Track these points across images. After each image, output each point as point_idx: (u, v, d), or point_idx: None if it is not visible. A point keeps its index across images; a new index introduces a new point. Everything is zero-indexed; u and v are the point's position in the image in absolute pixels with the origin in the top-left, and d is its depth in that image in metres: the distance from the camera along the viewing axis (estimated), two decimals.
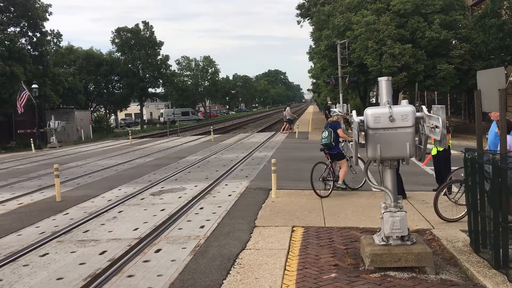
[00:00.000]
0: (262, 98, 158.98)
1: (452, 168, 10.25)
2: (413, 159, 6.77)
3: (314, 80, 69.91)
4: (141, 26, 62.24)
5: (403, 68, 28.47)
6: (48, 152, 29.55)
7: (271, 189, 11.05)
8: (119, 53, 61.78)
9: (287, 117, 36.74)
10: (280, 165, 13.86)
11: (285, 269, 6.09)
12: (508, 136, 6.53)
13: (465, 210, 8.10)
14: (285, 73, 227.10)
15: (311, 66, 62.69)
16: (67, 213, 9.93)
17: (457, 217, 8.13)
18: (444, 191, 8.61)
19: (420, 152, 6.26)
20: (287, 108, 38.99)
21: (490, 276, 5.58)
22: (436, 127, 5.67)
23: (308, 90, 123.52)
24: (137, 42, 61.16)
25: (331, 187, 10.71)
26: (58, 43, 45.28)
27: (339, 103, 34.99)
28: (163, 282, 5.74)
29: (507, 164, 5.50)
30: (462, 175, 8.44)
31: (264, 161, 17.46)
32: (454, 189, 8.97)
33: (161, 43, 63.82)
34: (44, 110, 38.89)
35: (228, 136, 36.01)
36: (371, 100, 47.00)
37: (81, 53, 56.44)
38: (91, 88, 58.57)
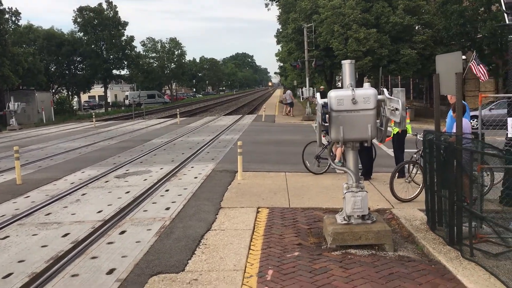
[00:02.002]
0: (230, 81, 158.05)
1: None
2: (375, 140, 6.96)
3: (281, 64, 69.88)
4: (105, 6, 60.34)
5: (368, 52, 28.88)
6: (7, 134, 28.61)
7: (237, 171, 11.13)
8: (82, 33, 59.83)
9: (288, 101, 37.18)
10: (247, 148, 13.95)
11: (249, 249, 6.20)
12: (463, 119, 6.79)
13: (418, 190, 8.45)
14: (252, 56, 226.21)
15: (278, 50, 62.61)
16: (28, 196, 9.72)
17: (411, 197, 8.44)
18: (397, 172, 8.91)
19: (381, 134, 6.44)
20: (288, 91, 39.36)
21: (444, 252, 5.86)
22: (396, 109, 5.83)
23: (275, 73, 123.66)
24: (100, 22, 59.34)
25: (327, 165, 10.94)
26: (16, 21, 43.59)
27: (305, 87, 35.27)
28: (127, 263, 5.74)
29: (462, 145, 5.73)
30: (415, 155, 8.76)
31: (231, 144, 17.50)
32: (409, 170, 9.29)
33: (126, 24, 62.20)
34: (2, 91, 37.47)
35: (194, 119, 35.77)
36: (337, 84, 47.45)
37: (41, 33, 54.38)
38: (53, 69, 56.65)
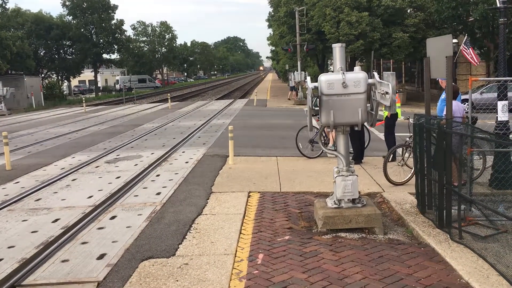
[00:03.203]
0: (221, 65, 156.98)
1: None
2: (366, 124, 6.96)
3: (273, 48, 69.51)
4: None
5: (360, 36, 28.78)
6: None
7: (228, 156, 11.11)
8: (71, 17, 58.87)
9: (291, 85, 37.03)
10: (238, 132, 13.93)
11: (240, 233, 6.21)
12: (454, 102, 6.79)
13: (411, 174, 8.50)
14: (244, 40, 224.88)
15: (270, 34, 62.14)
16: (18, 182, 9.65)
17: (403, 180, 8.49)
18: (391, 156, 8.94)
19: (371, 118, 6.43)
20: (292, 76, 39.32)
21: (434, 235, 5.91)
22: (386, 93, 5.82)
23: (267, 57, 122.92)
24: (90, 6, 58.36)
25: (321, 150, 10.95)
26: (3, 4, 42.73)
27: (296, 71, 35.12)
28: (118, 248, 5.74)
29: (451, 128, 5.74)
30: (408, 139, 8.79)
31: (222, 129, 17.45)
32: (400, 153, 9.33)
33: (115, 7, 61.26)
34: None
35: (186, 104, 35.58)
36: (329, 68, 47.33)
37: (30, 16, 53.44)
38: (42, 54, 55.86)
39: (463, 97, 10.67)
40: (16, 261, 5.39)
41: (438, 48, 6.33)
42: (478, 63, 22.73)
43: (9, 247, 5.86)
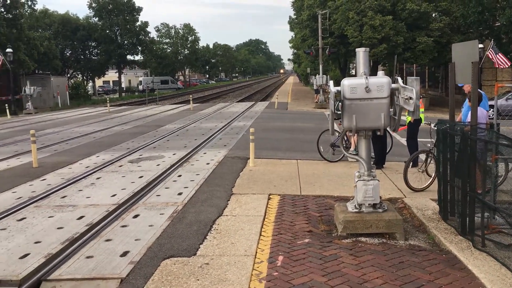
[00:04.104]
0: (243, 67, 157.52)
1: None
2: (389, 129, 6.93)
3: (295, 51, 69.46)
4: None
5: (383, 40, 28.56)
6: (23, 118, 28.99)
7: (249, 158, 11.18)
8: (97, 18, 60.06)
9: (315, 88, 37.15)
10: (259, 135, 13.98)
11: (260, 235, 6.26)
12: (479, 108, 6.72)
13: (430, 180, 8.43)
14: (266, 42, 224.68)
15: (292, 37, 62.14)
16: (44, 179, 9.89)
17: (423, 186, 8.42)
18: (411, 162, 8.87)
19: (394, 123, 6.41)
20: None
21: (456, 242, 5.85)
22: (410, 98, 5.79)
23: (288, 60, 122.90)
24: (115, 7, 59.46)
25: (342, 154, 10.93)
26: (32, 5, 43.82)
27: (318, 75, 35.03)
28: (140, 246, 5.84)
29: (476, 135, 5.69)
30: (429, 145, 8.70)
31: (243, 131, 17.53)
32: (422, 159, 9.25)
33: (140, 9, 62.26)
34: (19, 75, 37.88)
35: (207, 106, 35.85)
36: (351, 72, 47.10)
37: (57, 17, 54.69)
38: (68, 54, 57.10)
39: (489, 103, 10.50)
40: (43, 256, 5.54)
41: (464, 54, 6.28)
42: (508, 65, 22.34)
43: (35, 242, 6.03)
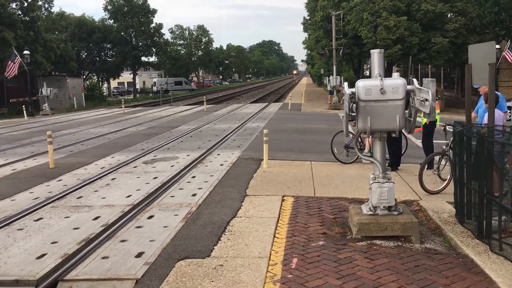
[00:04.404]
0: (256, 69, 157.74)
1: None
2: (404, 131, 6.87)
3: (309, 52, 69.31)
4: None
5: (398, 40, 28.36)
6: (40, 119, 29.39)
7: (262, 159, 11.18)
8: (112, 21, 60.71)
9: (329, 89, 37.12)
10: (272, 136, 13.98)
11: (274, 237, 6.25)
12: (496, 110, 6.63)
13: (445, 183, 8.34)
14: (279, 44, 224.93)
15: (305, 38, 62.00)
16: (61, 180, 10.01)
17: (439, 189, 8.33)
18: (427, 164, 8.79)
19: (409, 124, 6.36)
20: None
21: (473, 245, 5.78)
22: (426, 100, 5.74)
23: (302, 61, 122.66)
24: (130, 9, 60.05)
25: (356, 155, 10.89)
26: (49, 8, 44.48)
27: (331, 76, 34.89)
28: (155, 247, 5.88)
29: (493, 137, 5.61)
30: (444, 147, 8.61)
31: (257, 132, 17.55)
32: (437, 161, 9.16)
33: (154, 11, 62.78)
34: (35, 77, 38.44)
35: (221, 107, 35.95)
36: (364, 73, 46.85)
37: (73, 20, 55.39)
38: (84, 56, 57.77)
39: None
40: (59, 256, 5.61)
41: (481, 55, 6.20)
42: None
43: (52, 243, 6.11)
